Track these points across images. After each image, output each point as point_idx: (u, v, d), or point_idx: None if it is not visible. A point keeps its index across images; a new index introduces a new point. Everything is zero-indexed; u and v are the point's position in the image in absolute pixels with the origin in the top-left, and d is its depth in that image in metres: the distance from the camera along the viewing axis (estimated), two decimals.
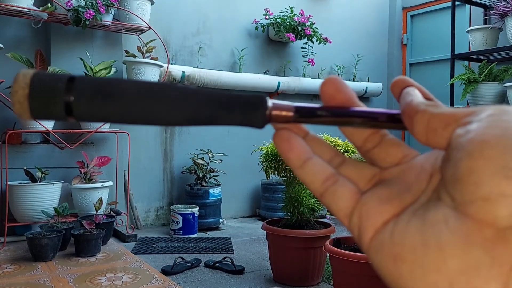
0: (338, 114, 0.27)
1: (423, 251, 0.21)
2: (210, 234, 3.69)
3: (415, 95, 0.26)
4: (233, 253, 3.09)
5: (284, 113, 0.27)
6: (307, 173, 0.27)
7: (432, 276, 0.20)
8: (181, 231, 3.54)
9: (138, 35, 3.68)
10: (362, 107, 0.27)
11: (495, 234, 0.19)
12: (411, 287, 0.21)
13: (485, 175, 0.19)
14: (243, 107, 0.26)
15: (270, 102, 0.27)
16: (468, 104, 4.35)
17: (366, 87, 4.99)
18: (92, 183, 3.25)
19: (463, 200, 0.20)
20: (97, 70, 3.36)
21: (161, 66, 3.62)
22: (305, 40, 4.44)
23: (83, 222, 2.92)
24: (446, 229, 0.21)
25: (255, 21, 4.34)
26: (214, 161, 3.89)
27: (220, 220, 3.90)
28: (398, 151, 0.27)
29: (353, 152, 2.56)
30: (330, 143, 2.57)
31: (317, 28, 4.46)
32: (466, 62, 4.33)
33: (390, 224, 0.23)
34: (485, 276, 0.19)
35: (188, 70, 3.91)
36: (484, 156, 0.20)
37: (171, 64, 3.89)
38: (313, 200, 2.53)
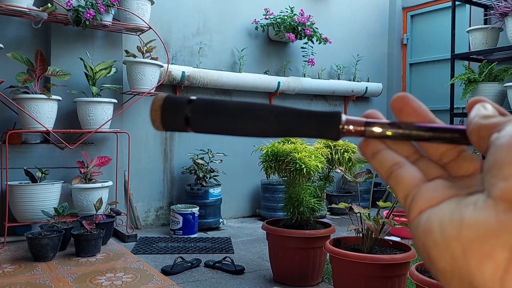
0: (405, 129, 0.30)
1: (448, 224, 0.24)
2: (210, 234, 3.69)
3: (477, 110, 0.28)
4: (233, 253, 3.09)
5: (356, 128, 0.30)
6: (377, 162, 0.31)
7: (451, 244, 0.23)
8: (181, 231, 3.54)
9: (138, 35, 3.68)
10: (429, 123, 0.30)
11: (508, 207, 0.22)
12: (434, 255, 0.24)
13: (506, 161, 0.22)
14: (320, 122, 0.31)
15: (344, 117, 0.31)
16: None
17: (366, 87, 4.99)
18: (92, 183, 3.25)
19: (490, 184, 0.23)
20: (97, 70, 3.36)
21: (161, 66, 3.63)
22: (305, 40, 4.44)
23: (83, 222, 2.92)
24: (472, 208, 0.23)
25: (255, 21, 4.34)
26: (214, 161, 3.89)
27: (220, 220, 3.90)
28: (471, 166, 0.29)
29: (353, 152, 2.56)
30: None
31: (317, 28, 4.46)
32: (466, 62, 4.33)
33: (432, 207, 0.26)
34: (493, 243, 0.22)
35: (188, 70, 3.91)
36: (507, 146, 0.23)
37: (171, 64, 3.89)
38: (313, 200, 2.53)
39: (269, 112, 0.31)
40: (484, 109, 0.28)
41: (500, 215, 0.22)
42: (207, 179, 3.84)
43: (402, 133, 0.30)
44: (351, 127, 0.30)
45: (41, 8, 3.16)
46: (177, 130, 0.33)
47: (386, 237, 2.20)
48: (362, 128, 0.30)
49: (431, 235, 0.25)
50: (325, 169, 2.59)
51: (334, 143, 2.64)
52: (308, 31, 4.35)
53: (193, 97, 0.33)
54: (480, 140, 0.26)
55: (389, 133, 0.30)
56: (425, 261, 0.26)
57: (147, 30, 3.59)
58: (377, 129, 0.30)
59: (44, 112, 3.12)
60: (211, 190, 3.78)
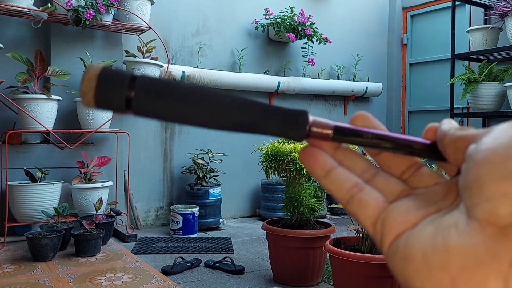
0: (376, 137, 0.28)
1: (431, 251, 0.22)
2: (210, 234, 3.69)
3: (448, 123, 0.27)
4: (233, 253, 3.09)
5: (323, 130, 0.28)
6: (332, 182, 0.28)
7: (438, 274, 0.21)
8: (181, 231, 3.54)
9: (138, 35, 3.68)
10: (398, 134, 0.28)
11: (496, 232, 0.20)
12: (418, 285, 0.22)
13: (488, 179, 0.21)
14: (284, 120, 0.28)
15: (311, 118, 0.28)
16: (468, 104, 4.35)
17: (366, 87, 4.99)
18: (92, 183, 3.25)
19: (471, 204, 0.21)
20: None
21: (161, 66, 3.63)
22: (305, 40, 4.44)
23: (83, 222, 2.92)
24: (455, 232, 0.22)
25: (255, 21, 4.34)
26: (214, 161, 3.89)
27: (220, 220, 3.90)
28: (430, 179, 0.28)
29: None
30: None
31: (317, 28, 4.46)
32: (466, 62, 4.33)
33: (409, 230, 0.25)
34: (485, 271, 0.20)
35: (188, 70, 3.91)
36: (489, 162, 0.21)
37: (171, 64, 3.89)
38: (313, 200, 2.53)
39: (231, 101, 0.28)
40: (453, 123, 0.27)
41: (488, 241, 0.20)
42: (207, 179, 3.84)
43: (374, 142, 0.28)
44: (317, 129, 0.28)
45: (41, 8, 3.16)
46: (112, 109, 0.28)
47: None
48: (329, 132, 0.28)
49: (412, 263, 0.23)
50: None
51: None
52: (308, 31, 4.35)
53: (138, 74, 0.28)
54: (456, 152, 0.25)
55: (358, 141, 0.28)
56: None
57: (147, 30, 3.59)
58: (345, 135, 0.28)
59: (44, 112, 3.12)
60: (211, 190, 3.78)
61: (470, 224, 0.21)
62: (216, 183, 3.91)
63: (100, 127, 3.32)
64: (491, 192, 0.20)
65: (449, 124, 0.27)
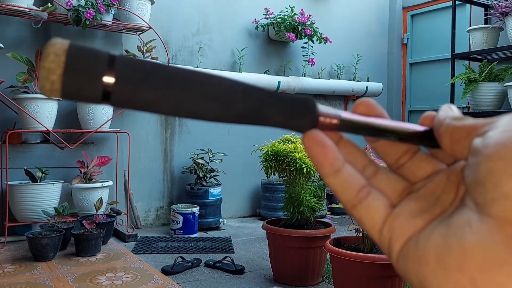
0: (381, 127, 0.27)
1: (445, 252, 0.21)
2: (210, 233, 3.69)
3: (445, 111, 0.26)
4: (233, 252, 3.09)
5: (331, 120, 0.25)
6: (339, 183, 0.26)
7: (455, 275, 0.21)
8: (181, 231, 3.54)
9: (138, 35, 3.68)
10: (400, 122, 0.27)
11: None
12: (436, 287, 0.22)
13: (504, 175, 0.20)
14: (292, 107, 0.25)
15: (319, 107, 0.25)
16: (468, 104, 4.35)
17: (367, 87, 4.99)
18: (92, 183, 3.25)
19: (485, 201, 0.21)
20: None
21: None
22: (305, 39, 4.44)
23: (83, 221, 2.92)
24: (469, 231, 0.21)
25: (255, 21, 4.34)
26: (214, 160, 3.89)
27: (220, 219, 3.90)
28: (429, 166, 0.28)
29: None
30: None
31: (317, 28, 4.46)
32: (466, 62, 4.33)
33: (418, 233, 0.24)
34: (507, 272, 0.20)
35: None
36: (502, 157, 0.20)
37: (172, 64, 3.89)
38: (313, 200, 2.53)
39: (234, 84, 0.24)
40: (451, 111, 0.26)
41: (508, 241, 0.20)
42: (207, 179, 3.84)
43: (380, 132, 0.27)
44: (325, 118, 0.25)
45: (41, 8, 3.16)
46: (84, 100, 0.22)
47: None
48: (336, 122, 0.25)
49: (426, 265, 0.22)
50: None
51: None
52: (308, 31, 4.34)
53: (115, 53, 0.22)
54: (453, 143, 0.24)
55: (364, 130, 0.26)
56: None
57: (147, 30, 3.59)
58: (351, 125, 0.26)
59: (44, 112, 3.12)
60: (211, 190, 3.78)
61: (485, 222, 0.20)
62: (216, 182, 3.91)
63: (100, 127, 3.32)
64: (507, 188, 0.20)
65: (446, 112, 0.26)
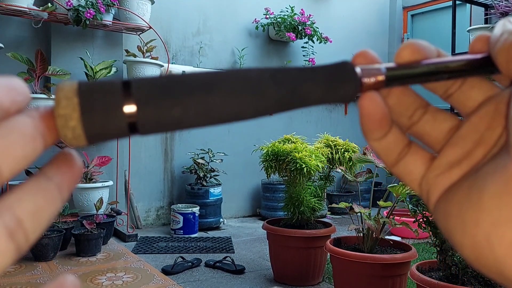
0: (432, 71, 0.23)
1: (466, 205, 0.20)
2: (211, 233, 3.69)
3: (503, 25, 0.22)
4: (233, 252, 3.09)
5: (377, 78, 0.22)
6: (383, 147, 0.25)
7: (471, 229, 0.19)
8: (182, 231, 3.54)
9: (139, 35, 3.68)
10: (449, 57, 0.24)
11: None
12: (458, 241, 0.21)
13: None
14: (329, 76, 0.22)
15: (358, 68, 0.22)
16: None
17: None
18: (93, 182, 3.25)
19: None
20: (98, 70, 3.36)
21: (162, 66, 3.62)
22: (306, 39, 4.44)
23: (83, 221, 2.92)
24: (491, 178, 0.19)
25: (256, 21, 4.34)
26: (214, 160, 3.89)
27: (221, 219, 3.90)
28: (479, 93, 0.24)
29: (353, 151, 2.56)
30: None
31: (317, 28, 4.46)
32: None
33: (454, 186, 0.22)
34: None
35: (189, 69, 3.91)
36: None
37: (172, 63, 3.89)
38: (313, 199, 2.53)
39: (260, 73, 0.21)
40: (510, 24, 0.22)
41: None
42: (207, 179, 3.84)
43: (428, 72, 0.23)
44: (369, 78, 0.22)
45: (41, 7, 3.16)
46: (111, 137, 0.20)
47: (387, 237, 2.20)
48: (383, 78, 0.22)
49: (450, 219, 0.21)
50: (325, 168, 2.59)
51: (335, 142, 2.64)
52: (309, 31, 4.34)
53: (127, 79, 0.20)
54: (509, 61, 0.20)
55: (413, 74, 0.23)
56: (453, 246, 0.22)
57: (147, 29, 3.59)
58: (399, 79, 0.23)
59: None
60: (211, 190, 3.78)
61: (507, 170, 0.18)
62: (217, 182, 3.91)
63: None
64: None
65: (504, 27, 0.22)
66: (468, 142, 0.23)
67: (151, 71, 3.51)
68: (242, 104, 0.21)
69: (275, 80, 0.21)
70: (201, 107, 0.20)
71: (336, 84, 0.22)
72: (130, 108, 0.19)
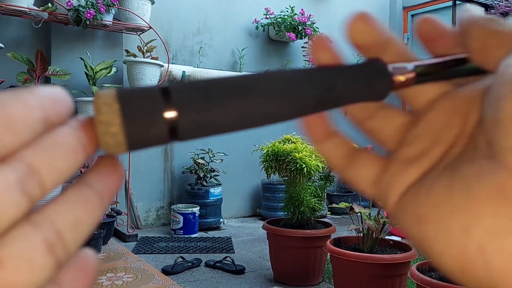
0: (444, 66, 0.22)
1: (449, 209, 0.18)
2: (211, 233, 3.69)
3: (469, 10, 0.21)
4: (233, 252, 3.09)
5: (408, 76, 0.22)
6: (324, 150, 0.24)
7: (460, 238, 0.17)
8: (182, 231, 3.54)
9: (139, 35, 3.68)
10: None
11: None
12: (437, 250, 0.18)
13: None
14: (363, 74, 0.22)
15: (390, 66, 0.22)
16: None
17: None
18: None
19: (502, 147, 0.16)
20: (98, 70, 3.36)
21: (162, 66, 3.62)
22: (306, 39, 4.44)
23: None
24: (478, 183, 0.17)
25: (256, 21, 4.34)
26: (214, 160, 3.89)
27: (221, 219, 3.90)
28: (433, 88, 0.23)
29: None
30: None
31: (317, 28, 4.46)
32: None
33: (416, 184, 0.20)
34: None
35: (189, 70, 3.91)
36: None
37: (172, 64, 3.89)
38: (313, 200, 2.53)
39: (295, 73, 0.21)
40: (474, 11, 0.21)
41: None
42: (207, 179, 3.84)
43: (446, 71, 0.22)
44: (401, 76, 0.22)
45: (41, 8, 3.16)
46: (152, 144, 0.19)
47: (387, 237, 2.20)
48: (413, 75, 0.22)
49: (427, 224, 0.19)
50: (325, 168, 2.59)
51: None
52: (309, 31, 4.35)
53: (166, 85, 0.20)
54: (485, 50, 0.19)
55: (442, 74, 0.22)
56: (426, 256, 0.20)
57: (148, 29, 3.59)
58: (428, 74, 0.22)
59: None
60: (211, 190, 3.79)
61: (499, 174, 0.16)
62: (217, 182, 3.91)
63: None
64: None
65: (469, 13, 0.20)
66: (424, 140, 0.22)
67: (151, 71, 3.52)
68: (279, 105, 0.20)
69: (310, 79, 0.21)
70: (240, 109, 0.20)
71: (370, 81, 0.22)
72: (171, 113, 0.19)
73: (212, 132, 0.20)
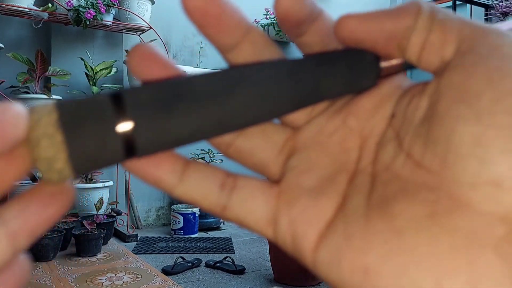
0: None
1: (410, 260, 0.14)
2: (211, 234, 3.69)
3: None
4: (233, 253, 3.09)
5: (396, 61, 0.19)
6: (191, 190, 0.18)
7: None
8: (182, 231, 3.54)
9: (139, 35, 3.68)
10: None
11: (509, 232, 0.13)
12: None
13: (496, 149, 0.13)
14: (350, 70, 0.19)
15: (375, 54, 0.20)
16: None
17: None
18: (93, 183, 3.26)
19: (461, 183, 0.13)
20: (98, 70, 3.36)
21: None
22: None
23: (83, 222, 2.92)
24: (438, 228, 0.14)
25: (256, 21, 4.35)
26: (214, 161, 3.89)
27: (221, 220, 3.90)
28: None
29: None
30: None
31: None
32: None
33: (340, 222, 0.16)
34: None
35: (189, 70, 3.91)
36: (497, 124, 0.13)
37: None
38: None
39: (277, 70, 0.19)
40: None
41: (501, 246, 0.13)
42: None
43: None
44: (388, 62, 0.19)
45: (41, 8, 3.16)
46: (106, 165, 0.16)
47: None
48: (401, 61, 0.19)
49: (379, 279, 0.14)
50: None
51: None
52: None
53: (117, 90, 0.16)
54: (427, 46, 0.16)
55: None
56: None
57: (148, 30, 3.59)
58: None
59: None
60: None
61: (464, 216, 0.13)
62: None
63: None
64: (500, 172, 0.12)
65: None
66: (321, 164, 0.17)
67: None
68: (259, 108, 0.18)
69: (293, 79, 0.18)
70: (214, 116, 0.17)
71: (357, 79, 0.19)
72: (125, 126, 0.15)
73: (180, 143, 0.17)
